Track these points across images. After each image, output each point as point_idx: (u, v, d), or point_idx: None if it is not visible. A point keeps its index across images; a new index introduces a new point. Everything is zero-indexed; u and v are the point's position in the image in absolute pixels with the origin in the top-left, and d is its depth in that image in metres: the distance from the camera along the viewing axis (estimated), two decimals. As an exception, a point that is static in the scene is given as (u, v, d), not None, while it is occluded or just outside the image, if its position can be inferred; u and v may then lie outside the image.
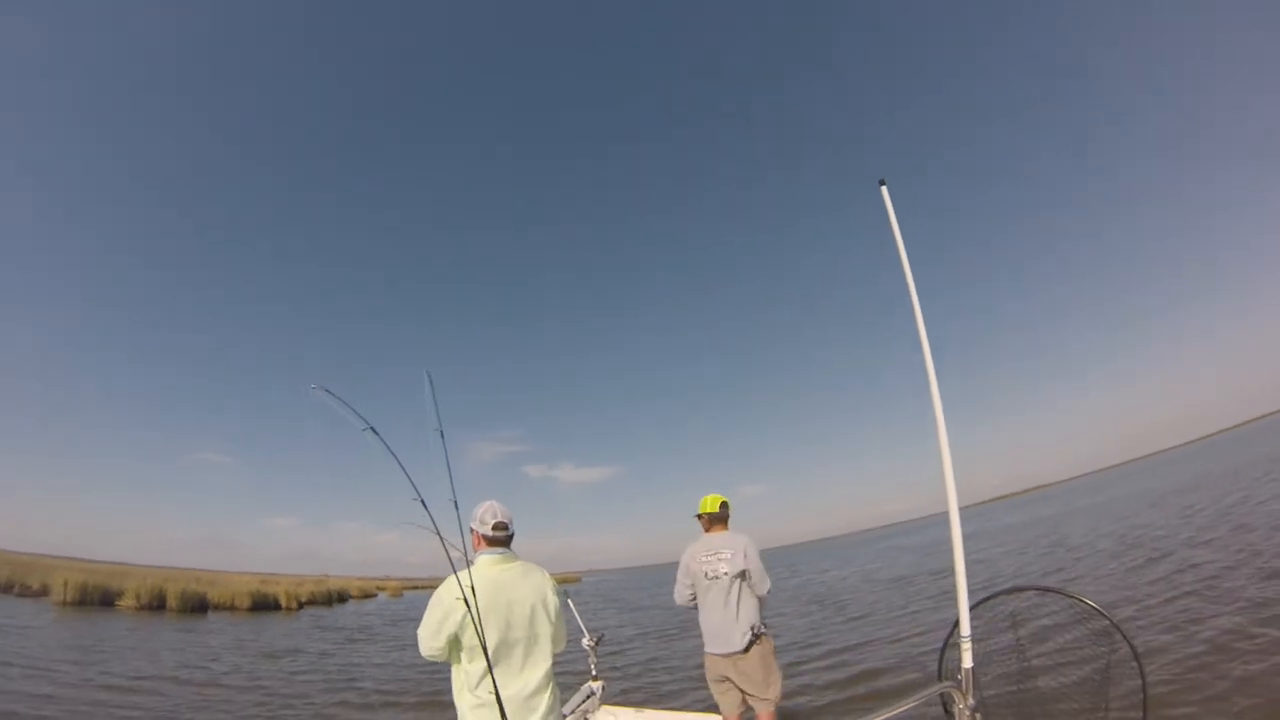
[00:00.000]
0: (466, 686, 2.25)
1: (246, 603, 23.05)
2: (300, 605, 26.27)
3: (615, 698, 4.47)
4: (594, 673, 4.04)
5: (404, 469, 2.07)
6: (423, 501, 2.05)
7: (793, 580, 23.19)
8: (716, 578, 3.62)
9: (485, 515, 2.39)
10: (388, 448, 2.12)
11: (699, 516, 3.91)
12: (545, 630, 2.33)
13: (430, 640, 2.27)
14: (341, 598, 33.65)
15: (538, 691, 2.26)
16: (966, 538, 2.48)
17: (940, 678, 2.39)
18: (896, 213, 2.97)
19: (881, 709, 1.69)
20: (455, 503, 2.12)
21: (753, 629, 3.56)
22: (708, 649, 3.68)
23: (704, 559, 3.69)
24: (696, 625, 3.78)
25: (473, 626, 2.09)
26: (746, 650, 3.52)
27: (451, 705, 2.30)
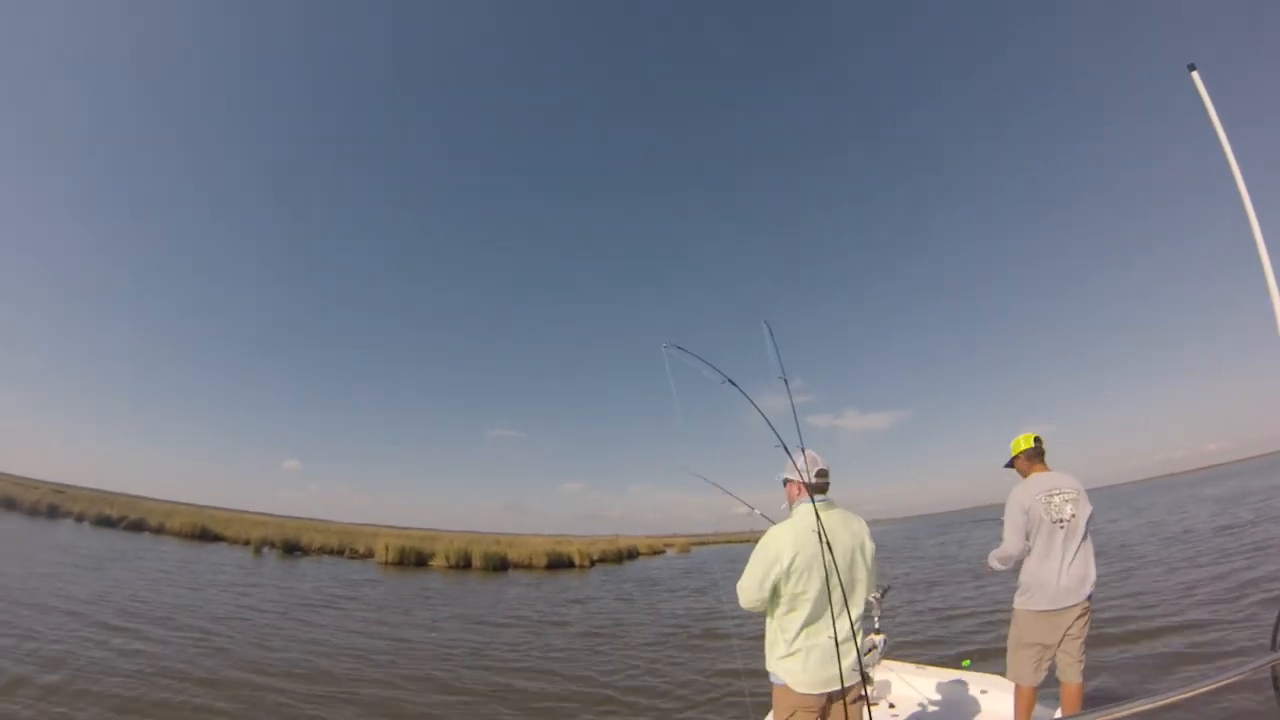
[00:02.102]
0: (781, 638, 2.27)
1: (543, 561, 24.61)
2: (592, 563, 27.70)
3: (895, 652, 4.41)
4: (876, 626, 3.90)
5: (765, 416, 2.36)
6: (785, 448, 2.36)
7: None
8: (1063, 521, 3.20)
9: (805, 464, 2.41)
10: (747, 397, 2.42)
11: (1012, 462, 3.52)
12: (862, 577, 2.35)
13: (755, 589, 2.29)
14: (631, 555, 34.61)
15: (850, 638, 2.24)
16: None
17: (1274, 647, 2.06)
18: (1213, 99, 2.66)
19: (1198, 681, 1.42)
20: (802, 448, 2.38)
21: (1095, 580, 3.21)
22: (1034, 606, 3.23)
23: (1045, 501, 3.25)
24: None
25: (796, 574, 2.18)
26: (1088, 602, 3.16)
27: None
